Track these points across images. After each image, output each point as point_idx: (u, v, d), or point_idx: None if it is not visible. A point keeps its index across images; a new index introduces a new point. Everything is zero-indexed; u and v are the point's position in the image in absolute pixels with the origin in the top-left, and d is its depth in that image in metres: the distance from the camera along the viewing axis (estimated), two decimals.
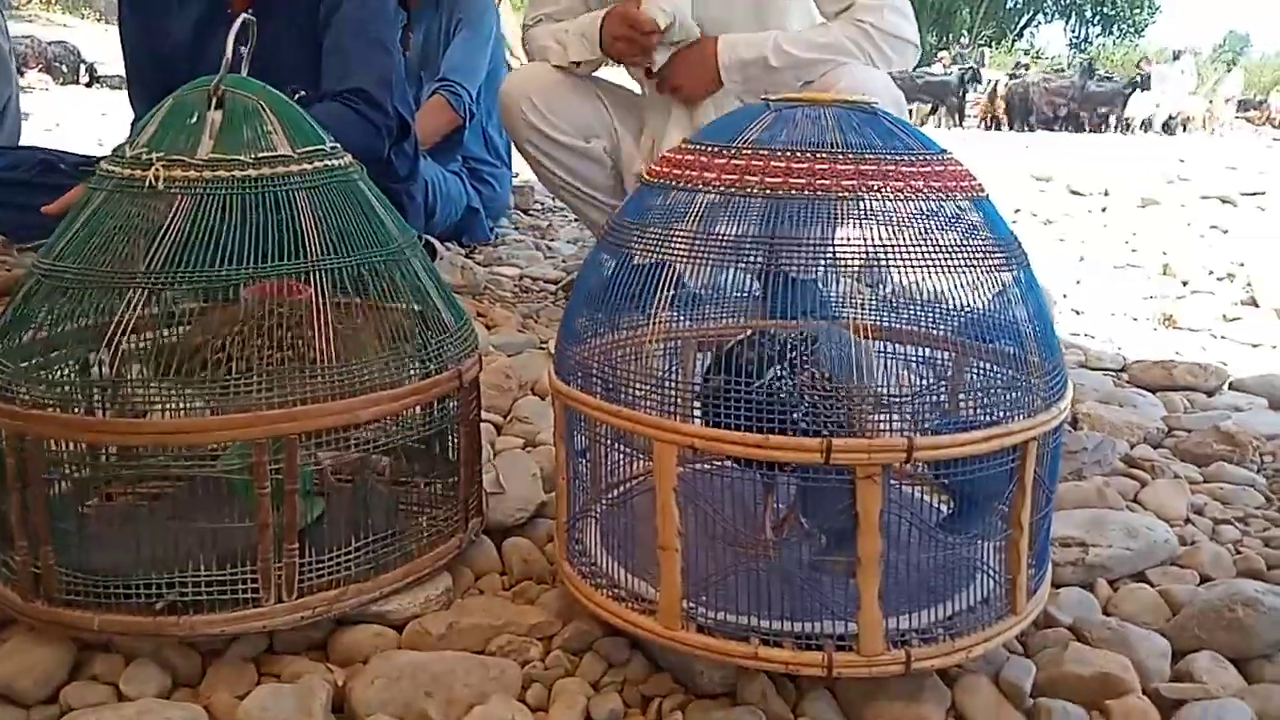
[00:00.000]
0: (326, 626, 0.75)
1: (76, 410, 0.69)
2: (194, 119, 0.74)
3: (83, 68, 9.88)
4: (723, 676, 0.70)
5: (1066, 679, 0.71)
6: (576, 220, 2.85)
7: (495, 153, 2.48)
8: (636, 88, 1.80)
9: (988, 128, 11.61)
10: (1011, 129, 11.35)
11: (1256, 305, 2.09)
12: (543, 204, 3.09)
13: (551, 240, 2.55)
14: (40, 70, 9.44)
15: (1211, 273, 2.45)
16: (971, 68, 12.59)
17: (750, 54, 1.52)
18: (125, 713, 0.61)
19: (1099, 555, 0.87)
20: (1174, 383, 1.46)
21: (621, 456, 0.83)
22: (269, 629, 0.71)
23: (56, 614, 0.69)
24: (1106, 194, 4.01)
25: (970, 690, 0.70)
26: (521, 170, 2.71)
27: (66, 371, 0.73)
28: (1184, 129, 11.11)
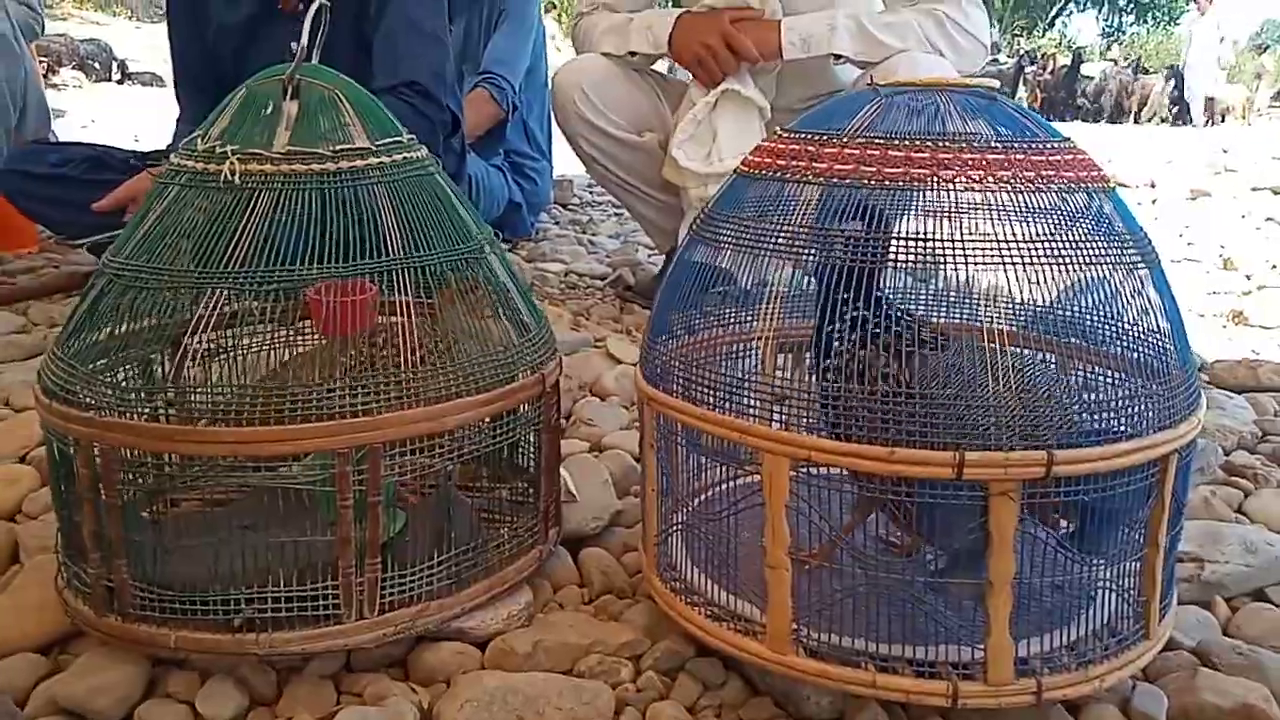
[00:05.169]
0: (406, 643, 0.72)
1: (148, 418, 0.65)
2: (269, 110, 0.70)
3: (115, 65, 9.95)
4: (830, 702, 0.66)
5: (1204, 710, 0.66)
6: (618, 214, 2.81)
7: (536, 146, 2.44)
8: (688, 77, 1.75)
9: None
10: (1048, 119, 11.13)
11: None
12: (581, 198, 3.05)
13: (594, 235, 2.51)
14: (74, 68, 9.50)
15: (1275, 267, 2.37)
16: (1028, 53, 12.29)
17: (817, 26, 1.45)
18: None
19: (1216, 572, 0.81)
20: (1259, 383, 1.39)
21: (697, 463, 0.78)
22: (350, 647, 0.68)
23: (131, 630, 0.66)
24: (1153, 186, 3.90)
25: None
26: (559, 164, 2.66)
27: (137, 375, 0.69)
28: (1222, 119, 10.84)
